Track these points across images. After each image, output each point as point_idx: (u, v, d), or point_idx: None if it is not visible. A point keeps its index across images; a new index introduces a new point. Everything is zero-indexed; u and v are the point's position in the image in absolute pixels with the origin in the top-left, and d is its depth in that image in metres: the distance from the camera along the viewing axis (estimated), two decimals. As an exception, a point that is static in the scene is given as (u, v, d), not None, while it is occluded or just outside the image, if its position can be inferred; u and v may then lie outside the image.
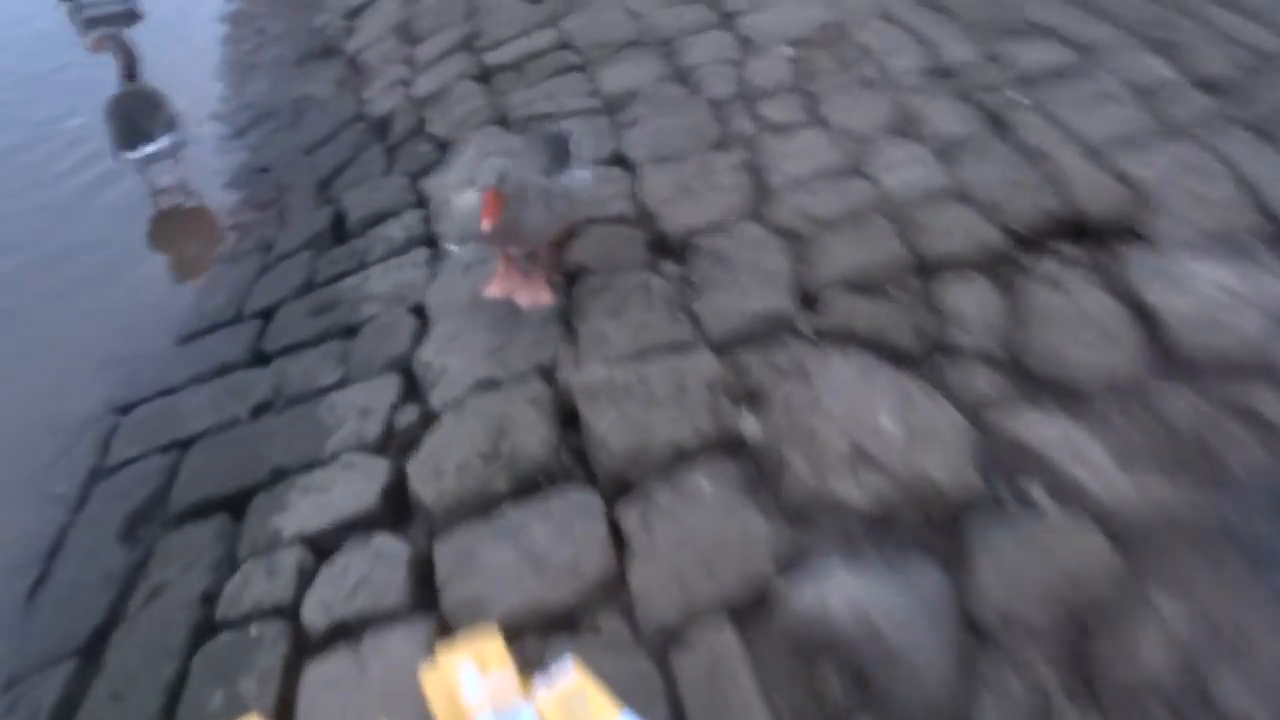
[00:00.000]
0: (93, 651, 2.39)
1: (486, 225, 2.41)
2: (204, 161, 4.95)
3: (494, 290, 2.88)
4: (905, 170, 2.96)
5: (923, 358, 2.36)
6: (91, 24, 6.94)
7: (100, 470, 3.04)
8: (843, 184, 2.96)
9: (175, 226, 4.69)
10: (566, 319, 2.75)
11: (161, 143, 4.56)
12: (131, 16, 7.13)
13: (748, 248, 2.79)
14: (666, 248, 2.92)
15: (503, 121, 3.82)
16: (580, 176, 2.73)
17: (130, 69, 4.62)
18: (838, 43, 3.77)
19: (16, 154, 5.45)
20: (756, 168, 3.14)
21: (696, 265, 2.80)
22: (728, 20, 4.13)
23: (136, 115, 4.55)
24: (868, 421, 2.18)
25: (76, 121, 5.56)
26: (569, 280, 2.91)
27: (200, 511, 2.66)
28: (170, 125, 4.57)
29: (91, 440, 3.18)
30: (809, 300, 2.59)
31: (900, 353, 2.38)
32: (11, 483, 3.16)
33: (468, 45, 4.59)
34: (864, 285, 2.58)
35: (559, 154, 2.74)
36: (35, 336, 3.99)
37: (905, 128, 3.19)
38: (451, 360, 2.76)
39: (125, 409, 3.28)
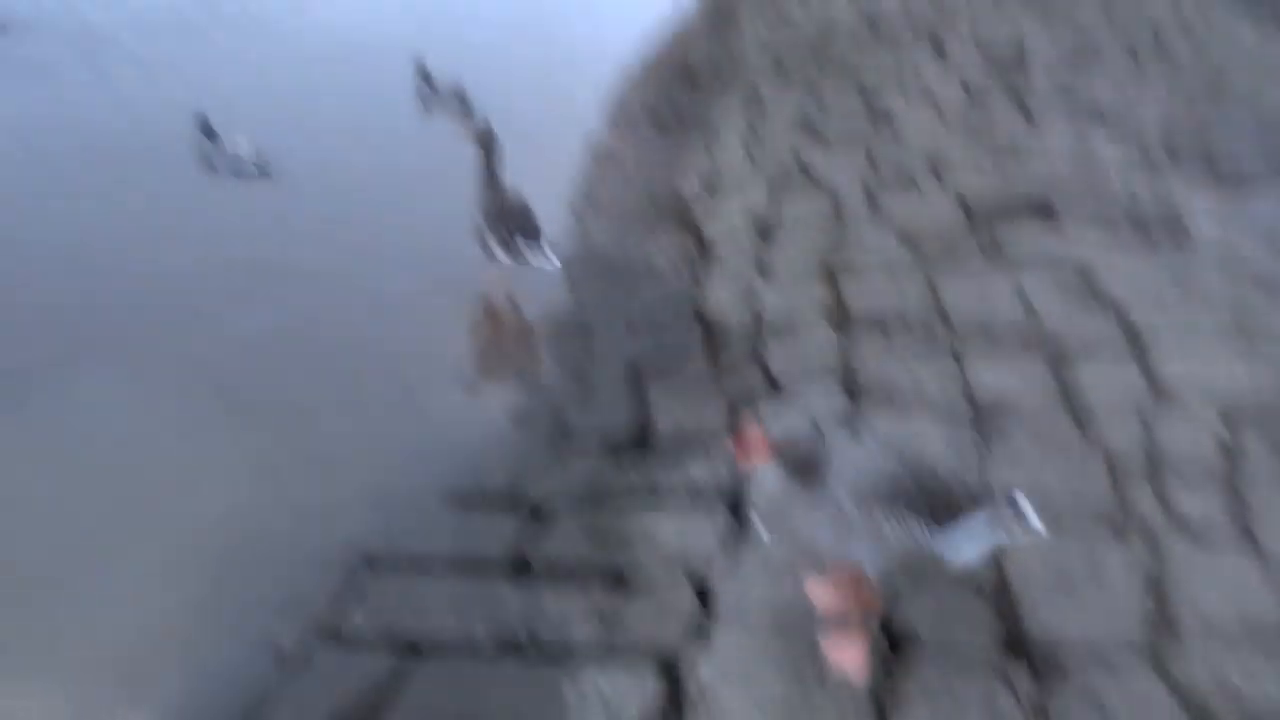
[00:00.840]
0: None
1: (741, 457, 2.07)
2: (530, 298, 4.92)
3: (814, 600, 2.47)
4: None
5: None
6: (454, 106, 7.37)
7: (327, 632, 2.82)
8: (1282, 663, 2.27)
9: (489, 356, 4.64)
10: (882, 707, 2.23)
11: (554, 259, 4.59)
12: (464, 102, 7.60)
13: (1138, 711, 2.15)
14: (1025, 652, 2.35)
15: (851, 389, 3.41)
16: (958, 551, 2.21)
17: (493, 167, 4.66)
18: (1282, 429, 3.08)
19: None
20: (1160, 583, 2.50)
21: (1062, 700, 2.20)
22: (1138, 346, 3.53)
23: (525, 221, 4.62)
24: None
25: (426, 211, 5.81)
26: (892, 644, 2.40)
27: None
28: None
29: (331, 586, 3.01)
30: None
31: None
32: (242, 603, 3.03)
33: (829, 274, 4.27)
34: None
35: (940, 507, 2.19)
36: (317, 424, 3.98)
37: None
38: (730, 699, 2.30)
39: (373, 562, 3.09)
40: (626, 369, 4.04)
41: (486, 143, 4.66)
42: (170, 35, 8.99)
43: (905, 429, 3.12)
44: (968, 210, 4.75)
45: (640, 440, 3.54)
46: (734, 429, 3.35)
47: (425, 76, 7.78)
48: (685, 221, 5.36)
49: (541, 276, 4.86)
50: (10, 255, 5.14)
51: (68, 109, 7.05)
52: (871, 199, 5.06)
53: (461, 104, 7.59)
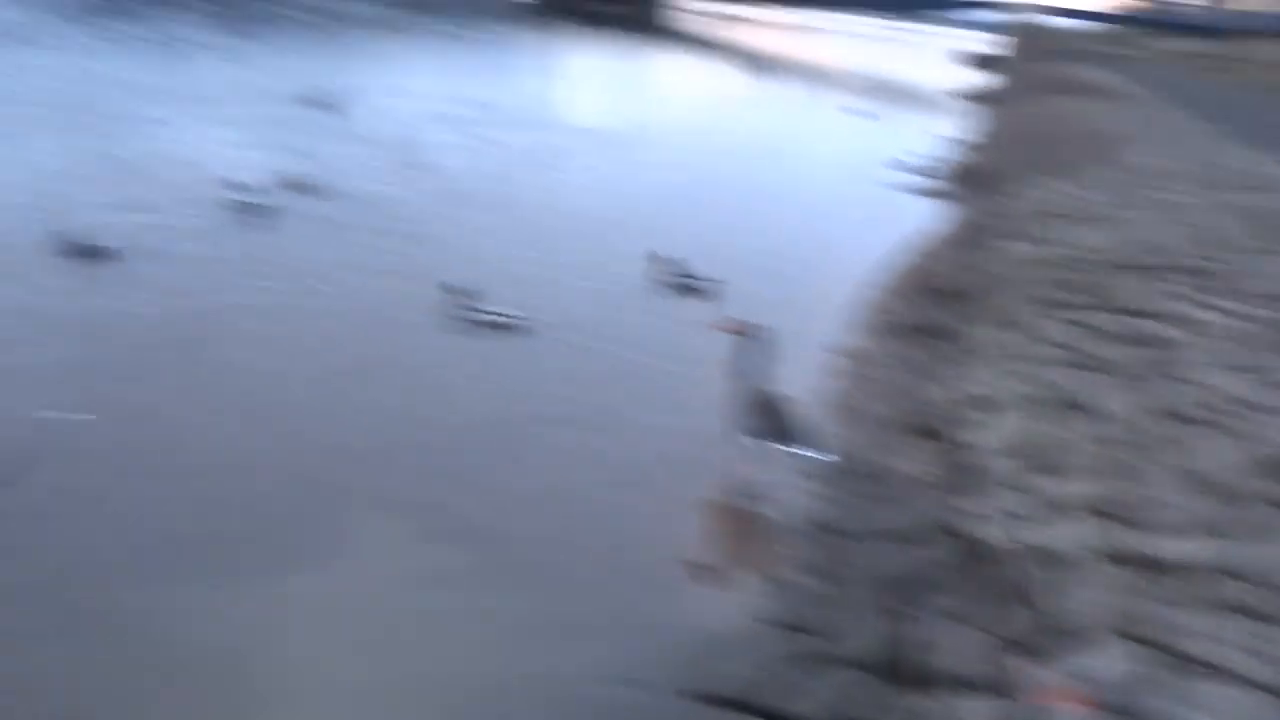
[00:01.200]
0: None
1: (1049, 706, 1.95)
2: (780, 496, 4.90)
3: None
4: None
5: None
6: (698, 295, 7.65)
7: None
8: None
9: (735, 549, 4.64)
10: None
11: (816, 453, 4.64)
12: (709, 291, 7.84)
13: None
14: None
15: (1144, 642, 3.09)
16: None
17: (753, 361, 4.75)
18: None
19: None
20: None
21: None
22: None
23: (782, 416, 4.70)
24: None
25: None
26: None
27: None
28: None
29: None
30: None
31: None
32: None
33: (1108, 512, 3.97)
34: None
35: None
36: (562, 593, 4.05)
37: None
38: None
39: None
40: (880, 583, 3.88)
41: (748, 335, 4.81)
42: (444, 206, 10.27)
43: (1217, 697, 2.76)
44: (1268, 462, 4.34)
45: (894, 662, 3.35)
46: (1015, 669, 3.09)
47: (670, 266, 8.18)
48: (939, 436, 5.22)
49: (793, 475, 4.84)
50: (286, 406, 5.57)
51: (347, 261, 8.08)
52: (1150, 436, 4.74)
53: (705, 293, 7.91)
